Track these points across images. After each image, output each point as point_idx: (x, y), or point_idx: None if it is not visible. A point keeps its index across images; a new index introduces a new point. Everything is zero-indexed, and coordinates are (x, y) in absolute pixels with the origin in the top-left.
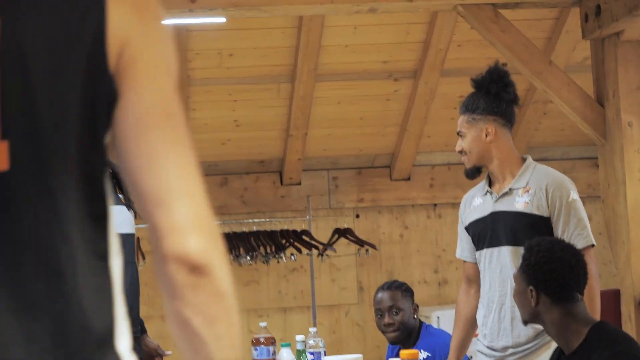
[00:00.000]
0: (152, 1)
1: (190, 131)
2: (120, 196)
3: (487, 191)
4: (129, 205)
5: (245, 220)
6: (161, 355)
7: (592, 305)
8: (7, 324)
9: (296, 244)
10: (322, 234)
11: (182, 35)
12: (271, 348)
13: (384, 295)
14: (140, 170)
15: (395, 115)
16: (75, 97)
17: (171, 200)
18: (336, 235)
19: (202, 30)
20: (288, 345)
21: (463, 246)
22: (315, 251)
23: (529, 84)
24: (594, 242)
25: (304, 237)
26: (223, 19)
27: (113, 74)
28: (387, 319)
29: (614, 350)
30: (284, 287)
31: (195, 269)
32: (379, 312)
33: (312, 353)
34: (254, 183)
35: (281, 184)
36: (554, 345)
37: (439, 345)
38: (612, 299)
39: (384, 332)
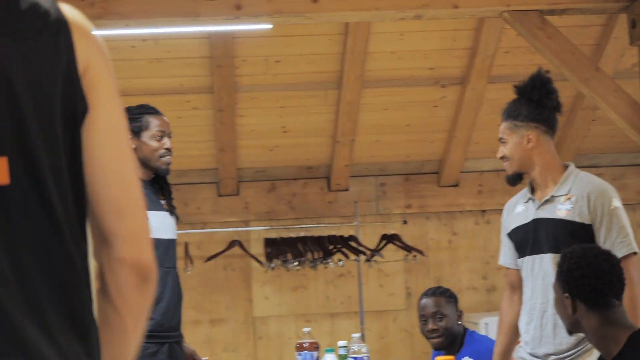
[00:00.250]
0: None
1: (239, 137)
2: (163, 202)
3: (529, 198)
4: (172, 211)
5: (293, 226)
6: None
7: (634, 312)
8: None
9: (343, 249)
10: (369, 239)
11: (228, 42)
12: (315, 353)
13: (427, 301)
14: (107, 180)
15: (442, 122)
16: (58, 113)
17: (131, 210)
18: (384, 241)
19: (248, 37)
20: (332, 350)
21: (506, 253)
22: (362, 257)
23: (578, 90)
24: (637, 250)
25: (352, 243)
26: (269, 26)
27: (84, 91)
28: (431, 325)
29: None
30: (331, 293)
31: (145, 275)
32: (423, 318)
33: (355, 358)
34: (302, 189)
35: (329, 189)
36: (595, 352)
37: (483, 351)
38: None
39: (427, 338)
